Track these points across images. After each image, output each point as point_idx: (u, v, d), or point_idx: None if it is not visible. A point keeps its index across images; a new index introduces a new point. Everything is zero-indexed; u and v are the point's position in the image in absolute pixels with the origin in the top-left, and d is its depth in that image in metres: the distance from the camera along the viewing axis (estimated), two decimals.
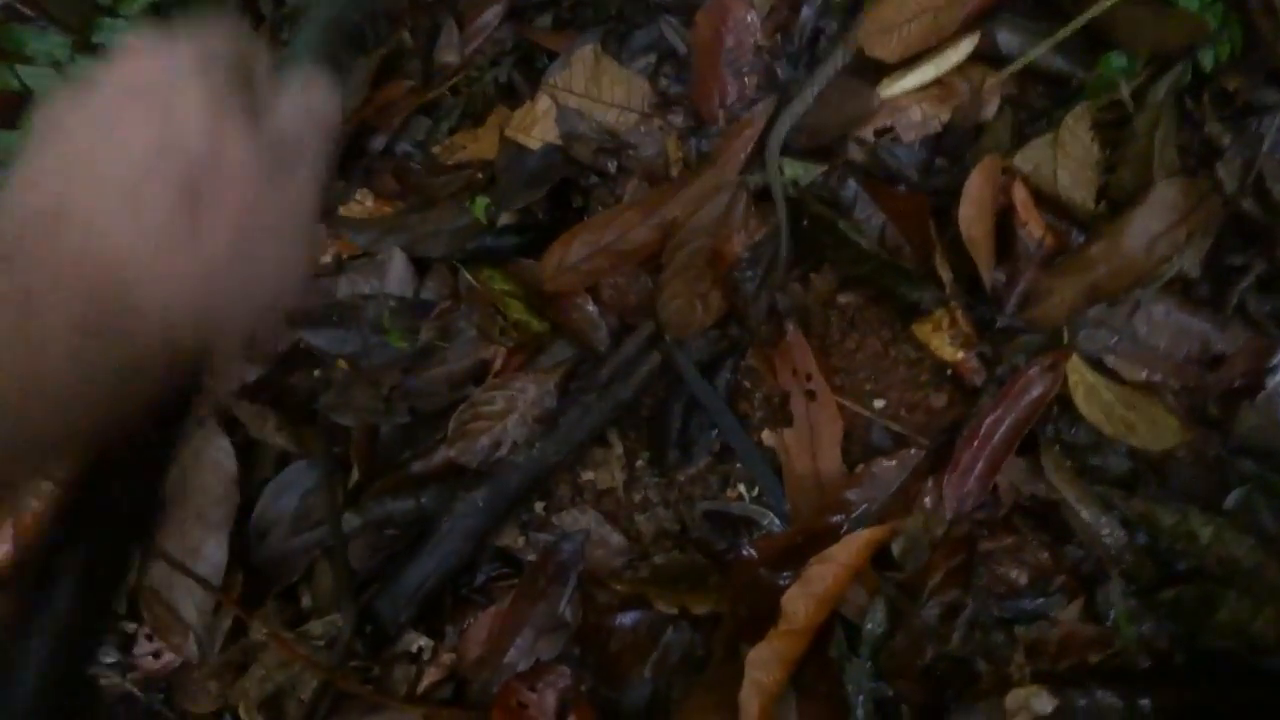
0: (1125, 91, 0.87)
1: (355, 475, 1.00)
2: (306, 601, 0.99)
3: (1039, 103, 0.96)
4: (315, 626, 0.94)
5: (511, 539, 0.97)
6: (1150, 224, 0.88)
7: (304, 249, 0.44)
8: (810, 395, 0.93)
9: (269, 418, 1.02)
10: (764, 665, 0.82)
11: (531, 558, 0.96)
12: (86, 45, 0.96)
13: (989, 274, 0.91)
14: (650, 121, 1.09)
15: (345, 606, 0.92)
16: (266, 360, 1.07)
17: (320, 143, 0.45)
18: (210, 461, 1.03)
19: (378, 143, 1.18)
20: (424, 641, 0.95)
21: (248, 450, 1.04)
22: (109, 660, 1.02)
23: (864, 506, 0.89)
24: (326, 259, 1.11)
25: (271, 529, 1.01)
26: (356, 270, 1.10)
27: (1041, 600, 0.86)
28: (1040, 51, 0.93)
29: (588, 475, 0.98)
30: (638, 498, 0.97)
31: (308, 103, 0.45)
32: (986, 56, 0.97)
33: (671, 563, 0.93)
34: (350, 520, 0.97)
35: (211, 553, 0.98)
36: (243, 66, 0.42)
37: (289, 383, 1.07)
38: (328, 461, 0.99)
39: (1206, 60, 0.87)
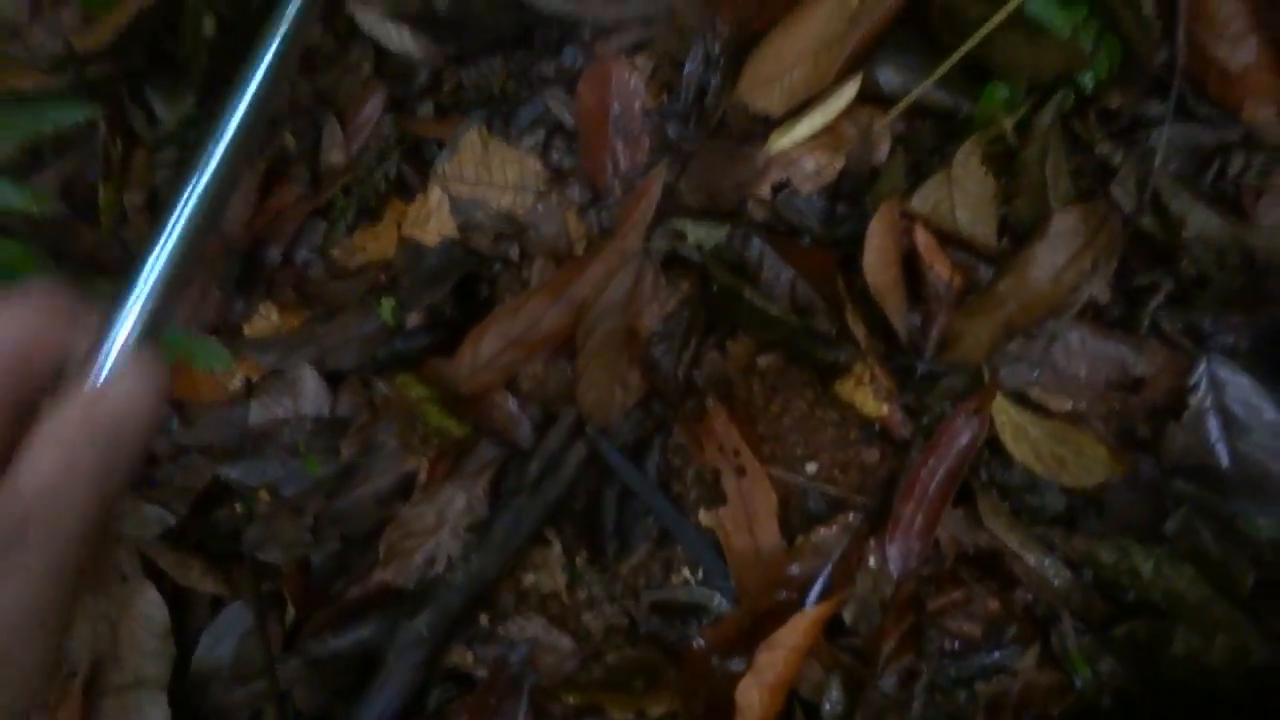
0: (1008, 124, 0.86)
1: (291, 612, 0.96)
2: None
3: (930, 140, 0.94)
4: None
5: (460, 657, 0.94)
6: (1053, 255, 0.87)
7: (26, 670, 0.32)
8: (740, 470, 0.91)
9: (193, 564, 0.98)
10: None
11: (482, 674, 0.93)
12: None
13: (902, 323, 0.90)
14: (547, 199, 1.07)
15: None
16: (183, 500, 1.03)
17: (86, 507, 0.33)
18: (140, 615, 0.99)
19: (274, 254, 1.14)
20: None
21: (178, 598, 1.01)
22: None
23: (809, 578, 0.87)
24: (236, 384, 1.08)
25: (211, 680, 0.98)
26: (267, 392, 1.06)
27: (997, 653, 0.84)
28: (923, 89, 0.91)
29: (529, 579, 0.96)
30: (582, 596, 0.94)
31: (89, 435, 0.34)
32: (872, 98, 0.95)
33: (624, 661, 0.91)
34: (291, 660, 0.93)
35: (152, 715, 0.94)
36: (30, 366, 0.34)
37: (211, 521, 1.03)
38: (259, 603, 0.96)
39: (1086, 82, 0.86)
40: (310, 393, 1.04)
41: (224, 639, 0.98)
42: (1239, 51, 0.84)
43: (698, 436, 0.94)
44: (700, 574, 0.92)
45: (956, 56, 0.88)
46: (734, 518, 0.90)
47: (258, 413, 1.05)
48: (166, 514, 1.03)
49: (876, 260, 0.89)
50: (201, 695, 0.97)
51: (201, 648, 0.98)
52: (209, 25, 1.07)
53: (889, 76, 0.94)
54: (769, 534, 0.89)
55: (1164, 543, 0.83)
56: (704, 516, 0.93)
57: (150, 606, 0.99)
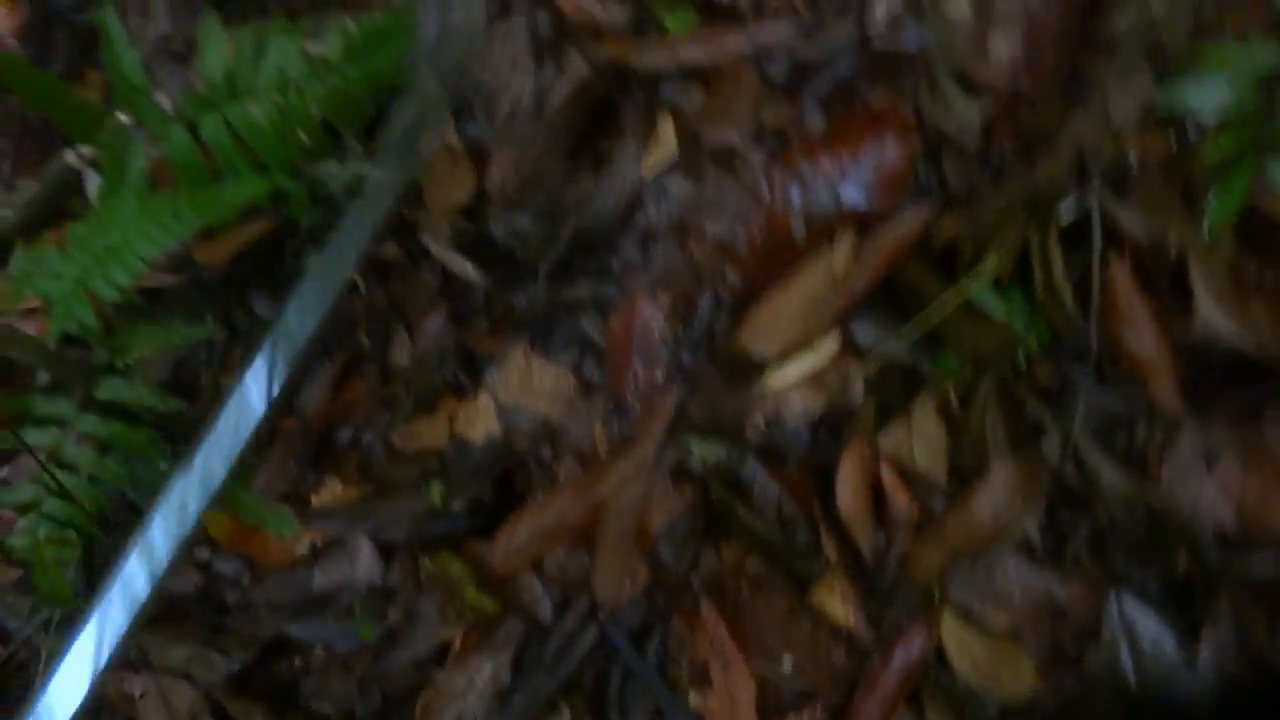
0: (951, 393, 1.05)
1: None
2: None
3: (896, 388, 1.14)
4: None
5: None
6: (992, 496, 1.05)
7: None
8: (725, 664, 1.07)
9: (255, 710, 1.15)
10: None
11: None
12: (91, 402, 1.12)
13: (867, 544, 1.07)
14: (577, 408, 1.27)
15: None
16: (249, 650, 1.20)
17: None
18: None
19: (343, 435, 1.34)
20: None
21: None
22: None
23: None
24: (303, 550, 1.26)
25: None
26: (329, 559, 1.24)
27: None
28: (892, 347, 1.12)
29: None
30: None
31: None
32: (852, 349, 1.15)
33: None
34: None
35: None
36: None
37: (274, 671, 1.20)
38: None
39: (1019, 356, 1.06)
40: (366, 562, 1.22)
41: None
42: (1142, 339, 1.04)
43: (692, 628, 1.11)
44: None
45: (916, 329, 1.09)
46: (719, 703, 1.06)
47: (320, 577, 1.23)
48: (231, 661, 1.20)
49: (846, 491, 1.08)
50: None
51: None
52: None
53: (865, 333, 1.15)
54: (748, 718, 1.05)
55: None
56: (694, 698, 1.09)
57: None
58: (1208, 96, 0.90)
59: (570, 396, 1.27)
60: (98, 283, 1.02)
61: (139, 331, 1.15)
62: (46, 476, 1.08)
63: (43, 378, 1.18)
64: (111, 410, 1.13)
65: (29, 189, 1.51)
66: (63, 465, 1.09)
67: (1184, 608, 1.01)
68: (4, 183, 1.60)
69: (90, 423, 1.11)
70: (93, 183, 1.48)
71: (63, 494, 1.08)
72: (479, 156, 1.41)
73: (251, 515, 1.28)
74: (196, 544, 1.30)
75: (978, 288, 1.06)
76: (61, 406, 1.11)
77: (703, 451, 1.17)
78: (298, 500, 1.31)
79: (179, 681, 1.19)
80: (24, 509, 1.08)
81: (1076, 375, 1.07)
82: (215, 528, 1.27)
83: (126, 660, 1.23)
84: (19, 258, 1.12)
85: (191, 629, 1.25)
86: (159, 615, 1.27)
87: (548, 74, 1.35)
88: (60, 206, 1.47)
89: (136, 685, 1.22)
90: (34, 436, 1.09)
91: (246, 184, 1.10)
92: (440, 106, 1.39)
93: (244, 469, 1.31)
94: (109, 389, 1.13)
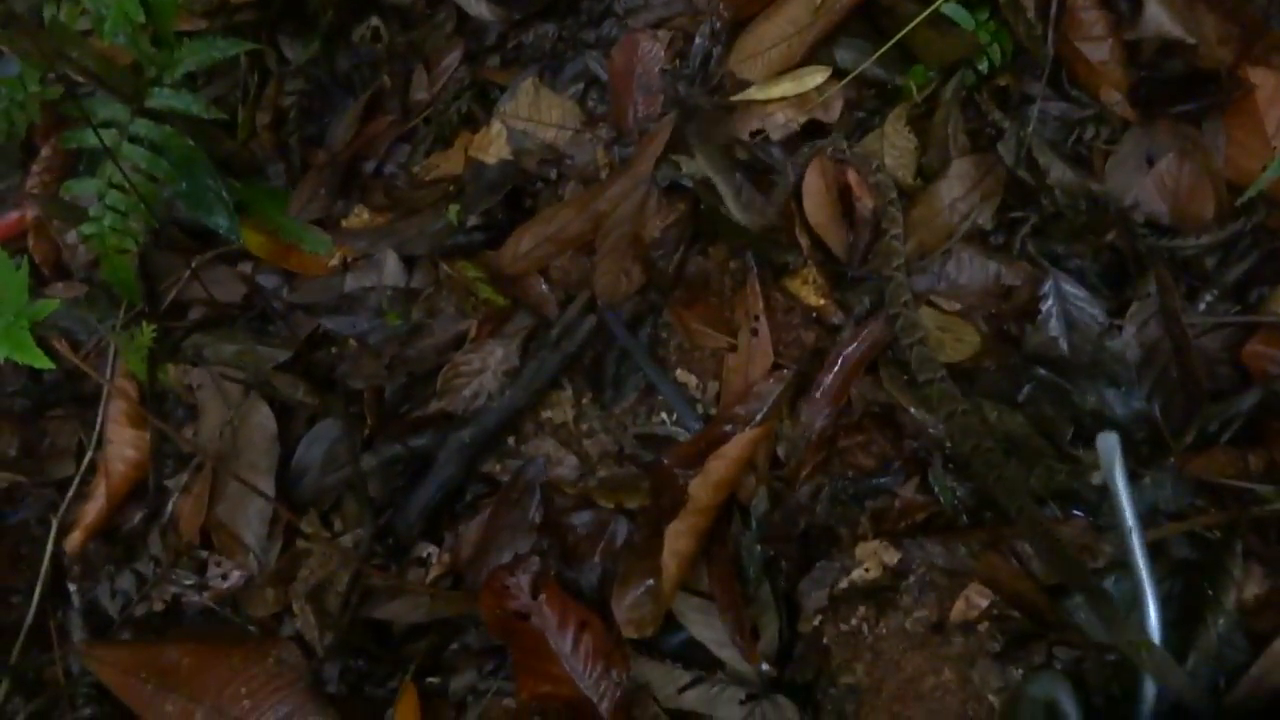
0: (917, 96, 1.16)
1: (368, 426, 1.29)
2: (337, 525, 1.28)
3: (871, 104, 1.25)
4: (346, 539, 1.23)
5: (490, 466, 1.26)
6: (951, 190, 1.17)
7: None
8: (754, 331, 1.20)
9: (299, 385, 1.31)
10: (678, 537, 1.11)
11: (506, 478, 1.25)
12: (142, 110, 1.25)
13: (837, 244, 1.19)
14: (582, 135, 1.38)
15: (367, 523, 1.22)
16: (292, 344, 1.36)
17: None
18: (255, 424, 1.32)
19: (369, 167, 1.47)
20: (430, 548, 1.24)
21: (283, 414, 1.33)
22: (188, 582, 1.32)
23: (751, 416, 1.18)
24: (334, 262, 1.41)
25: (306, 473, 1.30)
26: (358, 269, 1.39)
27: (886, 479, 1.14)
28: (867, 66, 1.22)
29: (546, 414, 1.27)
30: (585, 428, 1.26)
31: None
32: (833, 71, 1.25)
33: (612, 475, 1.22)
34: (367, 460, 1.26)
35: (264, 488, 1.27)
36: None
37: (312, 359, 1.36)
38: (347, 416, 1.28)
39: (982, 65, 1.16)
40: (392, 270, 1.37)
41: (317, 444, 1.30)
42: (1098, 50, 1.14)
43: (682, 316, 1.25)
44: (674, 417, 1.23)
45: (891, 43, 1.19)
46: (739, 363, 1.20)
47: (351, 282, 1.38)
48: (279, 353, 1.36)
49: (813, 202, 1.19)
50: (297, 483, 1.30)
51: (300, 449, 1.31)
52: None
53: (843, 55, 1.25)
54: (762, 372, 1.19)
55: (1018, 406, 1.12)
56: (679, 374, 1.24)
57: (263, 417, 1.32)
58: None
59: (575, 125, 1.38)
60: None
61: (183, 46, 1.26)
62: (110, 169, 1.21)
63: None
64: (162, 118, 1.25)
65: None
66: (122, 163, 1.22)
67: (1115, 288, 1.13)
68: None
69: (144, 126, 1.24)
70: None
71: (123, 186, 1.21)
72: None
73: (288, 234, 1.42)
74: (239, 260, 1.45)
75: (949, 1, 1.14)
76: (117, 110, 1.24)
77: (693, 169, 1.29)
78: (329, 223, 1.44)
79: (231, 370, 1.36)
80: (95, 200, 1.22)
81: (1033, 84, 1.17)
82: (254, 245, 1.42)
83: (185, 356, 1.40)
84: None
85: (239, 330, 1.41)
86: (209, 320, 1.44)
87: None
88: None
89: (194, 377, 1.39)
90: (93, 137, 1.22)
91: None
92: None
93: (281, 197, 1.45)
94: (158, 98, 1.25)
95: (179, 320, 1.43)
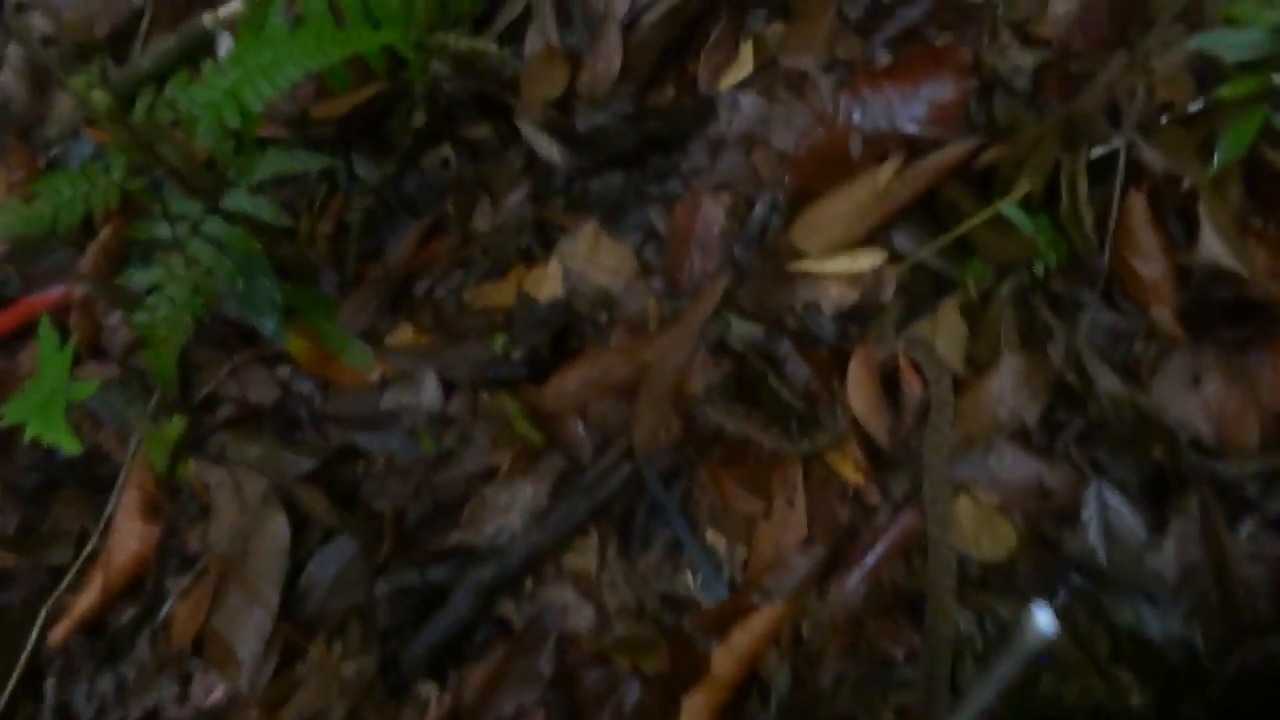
0: (973, 291, 1.19)
1: (386, 549, 1.26)
2: (338, 650, 1.23)
3: (925, 291, 1.27)
4: (346, 667, 1.19)
5: (505, 608, 1.23)
6: (1001, 384, 1.18)
7: None
8: (789, 501, 1.19)
9: (321, 498, 1.29)
10: (697, 709, 1.07)
11: (520, 623, 1.21)
12: (215, 209, 1.27)
13: (879, 432, 1.19)
14: (635, 284, 1.41)
15: (373, 652, 1.18)
16: (319, 455, 1.35)
17: None
18: (269, 532, 1.29)
19: (421, 287, 1.49)
20: (432, 689, 1.19)
21: (299, 528, 1.31)
22: (170, 693, 1.26)
23: (778, 589, 1.15)
24: (373, 377, 1.41)
25: (314, 591, 1.27)
26: (397, 387, 1.39)
27: (910, 672, 1.11)
28: (925, 253, 1.25)
29: (569, 559, 1.24)
30: (607, 579, 1.23)
31: None
32: (890, 254, 1.29)
33: (630, 632, 1.19)
34: (381, 585, 1.23)
35: (267, 601, 1.23)
36: None
37: (337, 473, 1.34)
38: (365, 537, 1.25)
39: (1038, 268, 1.19)
40: (430, 392, 1.37)
41: (330, 561, 1.27)
42: (1151, 268, 1.17)
43: (718, 477, 1.24)
44: (699, 579, 1.21)
45: (951, 237, 1.23)
46: (770, 532, 1.18)
47: (388, 399, 1.37)
48: (304, 461, 1.34)
49: (858, 393, 1.20)
50: (303, 601, 1.26)
51: (311, 565, 1.27)
52: (419, 118, 1.45)
53: (901, 241, 1.29)
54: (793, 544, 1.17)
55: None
56: (710, 535, 1.22)
57: (278, 526, 1.29)
58: (1235, 41, 1.03)
59: (630, 274, 1.41)
60: (246, 94, 1.17)
61: (265, 154, 1.30)
62: (175, 262, 1.23)
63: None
64: (233, 218, 1.28)
65: (165, 42, 1.68)
66: (187, 258, 1.23)
67: (1156, 503, 1.13)
68: (143, 39, 1.76)
69: (215, 225, 1.26)
70: (225, 44, 1.64)
71: (184, 280, 1.23)
72: (574, 60, 1.56)
73: (331, 343, 1.43)
74: (278, 363, 1.45)
75: (1010, 204, 1.19)
76: (192, 207, 1.26)
77: (742, 330, 1.31)
78: (373, 338, 1.45)
79: (252, 473, 1.34)
80: (151, 289, 1.23)
81: (1086, 293, 1.19)
82: (296, 350, 1.42)
83: (207, 453, 1.38)
84: (170, 84, 1.26)
85: (267, 434, 1.40)
86: (237, 419, 1.43)
87: None
88: (192, 61, 1.63)
89: (213, 475, 1.37)
90: (165, 230, 1.24)
91: (375, 36, 1.25)
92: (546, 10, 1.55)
93: (330, 306, 1.47)
94: (234, 199, 1.28)
95: (208, 416, 1.42)
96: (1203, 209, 1.12)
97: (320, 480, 1.33)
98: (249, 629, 1.24)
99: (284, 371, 1.44)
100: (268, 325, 1.34)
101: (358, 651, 1.21)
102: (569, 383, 1.33)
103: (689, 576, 1.22)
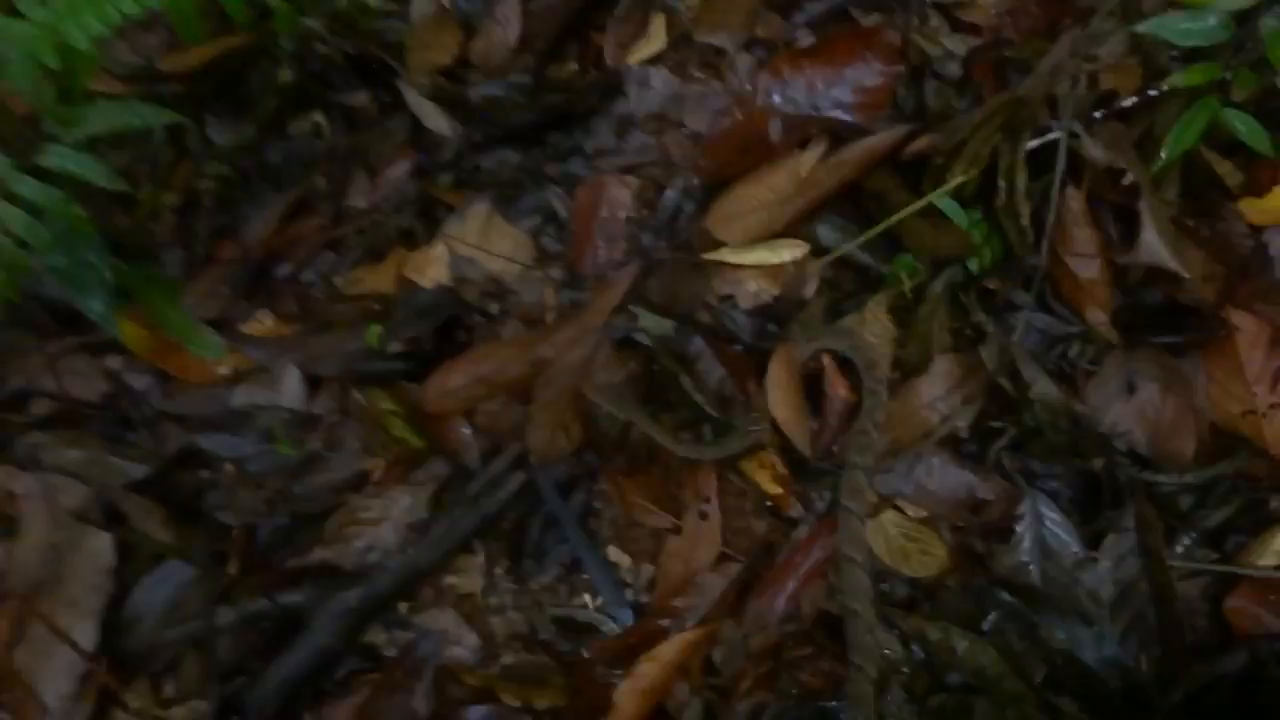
0: (907, 286, 1.09)
1: (232, 570, 1.07)
2: (169, 690, 1.04)
3: (849, 287, 1.18)
4: (178, 712, 0.99)
5: (375, 636, 1.06)
6: (931, 388, 1.09)
7: None
8: (702, 515, 1.06)
9: (154, 511, 1.09)
10: None
11: (392, 654, 1.05)
12: (29, 167, 1.06)
13: (800, 439, 1.08)
14: (531, 273, 1.26)
15: (211, 694, 0.99)
16: (154, 461, 1.15)
17: None
18: (87, 552, 1.09)
19: (283, 270, 1.30)
20: None
21: (126, 546, 1.10)
22: None
23: (689, 613, 1.03)
24: (223, 370, 1.21)
25: (140, 621, 1.07)
26: (252, 382, 1.20)
27: (834, 704, 1.00)
28: (850, 248, 1.15)
29: (450, 580, 1.09)
30: (494, 602, 1.08)
31: None
32: (813, 247, 1.18)
33: (520, 662, 1.04)
34: (224, 614, 1.04)
35: (81, 636, 1.02)
36: None
37: (175, 481, 1.15)
38: (207, 557, 1.06)
39: (973, 265, 1.11)
40: (291, 388, 1.19)
41: (161, 586, 1.08)
42: (1087, 267, 1.10)
43: (620, 486, 1.11)
44: (599, 600, 1.07)
45: (879, 229, 1.13)
46: (680, 549, 1.05)
47: (240, 397, 1.18)
48: (135, 468, 1.14)
49: (778, 395, 1.08)
50: (129, 632, 1.06)
51: (139, 590, 1.07)
52: (285, 76, 1.27)
53: (826, 233, 1.19)
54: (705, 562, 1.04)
55: (981, 634, 1.01)
56: (612, 552, 1.08)
57: (100, 544, 1.08)
58: (1189, 27, 0.97)
59: (526, 260, 1.27)
60: (69, 28, 0.97)
61: (95, 105, 1.10)
62: None
63: None
64: (52, 178, 1.07)
65: None
66: None
67: (1091, 516, 1.06)
68: None
69: (28, 185, 1.05)
70: None
71: None
72: (468, 25, 1.41)
73: (173, 331, 1.23)
74: (107, 352, 1.24)
75: (943, 195, 1.10)
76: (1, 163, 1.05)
77: (650, 325, 1.18)
78: (225, 327, 1.26)
79: (70, 481, 1.13)
80: None
81: (1021, 293, 1.12)
82: (130, 338, 1.22)
83: (15, 458, 1.16)
84: None
85: (91, 436, 1.19)
86: (55, 417, 1.21)
87: None
88: None
89: (20, 484, 1.14)
90: None
91: None
92: None
93: (173, 288, 1.27)
94: (55, 156, 1.07)
95: (16, 413, 1.20)
96: (1144, 206, 1.06)
97: (154, 490, 1.13)
98: (56, 668, 1.03)
99: (114, 362, 1.23)
100: (94, 307, 1.13)
101: (192, 693, 1.02)
102: (454, 380, 1.17)
103: (588, 599, 1.08)
